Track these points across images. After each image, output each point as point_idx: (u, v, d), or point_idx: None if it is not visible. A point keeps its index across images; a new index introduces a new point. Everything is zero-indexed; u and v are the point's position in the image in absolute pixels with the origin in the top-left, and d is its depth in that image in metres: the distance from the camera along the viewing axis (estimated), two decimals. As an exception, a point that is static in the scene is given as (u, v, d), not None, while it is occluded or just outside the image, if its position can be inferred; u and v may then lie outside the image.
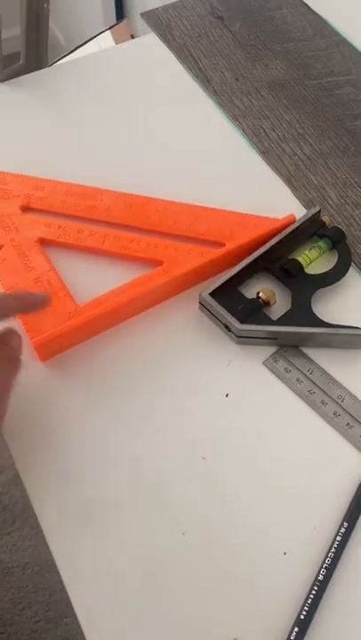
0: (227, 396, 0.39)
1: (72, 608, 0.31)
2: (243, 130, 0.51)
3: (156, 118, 0.52)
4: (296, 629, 0.31)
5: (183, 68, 0.56)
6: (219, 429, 0.37)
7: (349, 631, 0.31)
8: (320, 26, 0.59)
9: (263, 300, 0.41)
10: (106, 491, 0.35)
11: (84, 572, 0.33)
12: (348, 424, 0.37)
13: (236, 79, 0.54)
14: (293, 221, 0.44)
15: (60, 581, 0.32)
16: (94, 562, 0.33)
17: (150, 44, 0.58)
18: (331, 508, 0.34)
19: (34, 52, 0.55)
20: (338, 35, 0.58)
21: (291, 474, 0.36)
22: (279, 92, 0.54)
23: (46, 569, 1.12)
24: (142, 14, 0.61)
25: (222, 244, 0.43)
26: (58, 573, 0.32)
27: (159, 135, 0.51)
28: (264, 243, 0.42)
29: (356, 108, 0.52)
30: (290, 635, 0.31)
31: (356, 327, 0.39)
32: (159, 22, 0.59)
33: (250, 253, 0.42)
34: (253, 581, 0.33)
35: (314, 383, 0.39)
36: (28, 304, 0.37)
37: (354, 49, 0.57)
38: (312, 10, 0.60)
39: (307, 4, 0.60)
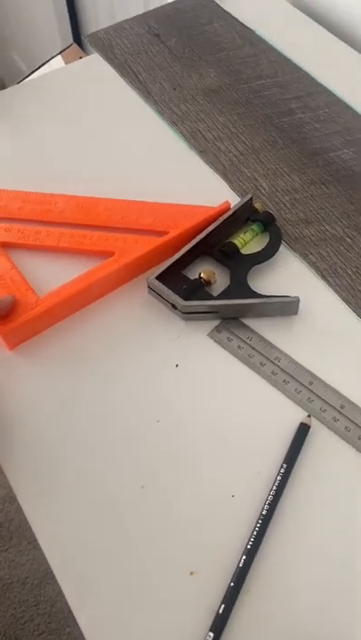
0: (177, 366, 0.43)
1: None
2: (181, 133, 0.56)
3: (102, 129, 0.57)
4: (244, 557, 0.35)
5: (125, 83, 0.61)
6: (171, 395, 0.42)
7: (291, 556, 0.36)
8: (248, 36, 0.64)
9: (204, 280, 0.45)
10: (75, 461, 0.39)
11: (59, 530, 0.37)
12: (284, 380, 0.42)
13: (174, 89, 0.60)
14: (228, 208, 0.49)
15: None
16: (67, 522, 0.37)
17: (95, 64, 0.63)
18: (273, 454, 0.39)
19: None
20: (265, 42, 0.64)
21: (236, 428, 0.40)
22: (213, 97, 0.59)
23: (46, 581, 1.14)
24: (86, 37, 0.66)
25: (166, 233, 0.47)
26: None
27: (106, 143, 0.56)
28: (203, 229, 0.47)
29: (283, 106, 0.58)
30: (239, 563, 0.35)
31: (287, 296, 0.44)
32: (101, 43, 0.64)
33: (191, 239, 0.47)
34: (207, 522, 0.37)
35: (253, 348, 0.43)
36: None
37: (279, 54, 0.62)
38: (240, 22, 0.66)
39: (235, 18, 0.66)
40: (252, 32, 0.65)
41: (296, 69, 0.61)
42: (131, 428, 0.40)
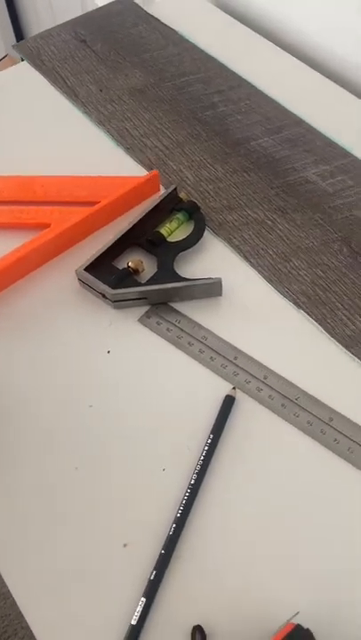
0: (108, 352, 0.45)
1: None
2: (109, 132, 0.58)
3: (33, 133, 0.59)
4: (174, 526, 0.36)
5: (54, 88, 0.63)
6: (103, 380, 0.43)
7: (220, 522, 0.37)
8: (171, 36, 0.67)
9: (132, 269, 0.47)
10: (5, 444, 0.40)
11: (-7, 513, 0.38)
12: (211, 357, 0.44)
13: (101, 90, 0.62)
14: (156, 176, 0.51)
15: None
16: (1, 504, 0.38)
17: (25, 71, 0.65)
18: (202, 428, 0.41)
19: None
20: (187, 42, 0.66)
21: (167, 405, 0.42)
22: (139, 96, 0.61)
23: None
24: (14, 46, 0.68)
25: (98, 202, 0.50)
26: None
27: (38, 146, 0.57)
28: (132, 198, 0.50)
29: (206, 100, 0.60)
30: (169, 531, 0.36)
31: (210, 278, 0.46)
32: (29, 51, 0.66)
33: (122, 207, 0.50)
34: (139, 495, 0.38)
35: (181, 330, 0.45)
36: None
37: (201, 51, 0.65)
38: (163, 23, 0.68)
39: (159, 19, 0.68)
40: (175, 32, 0.67)
41: (218, 65, 0.63)
42: (63, 413, 0.42)
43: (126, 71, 0.63)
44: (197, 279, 0.46)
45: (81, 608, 0.35)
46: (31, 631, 0.34)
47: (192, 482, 0.38)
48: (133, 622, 0.34)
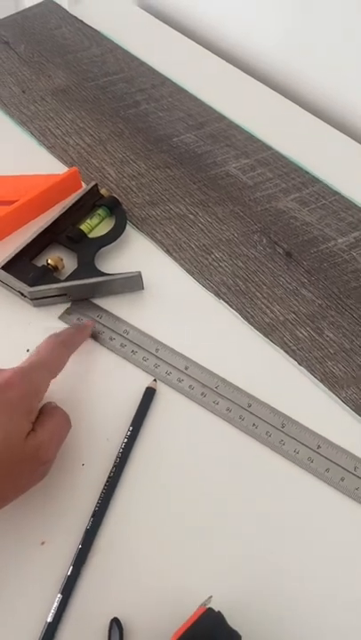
0: (27, 350, 0.44)
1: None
2: (31, 132, 0.57)
3: None
4: (92, 519, 0.36)
5: (-25, 89, 0.62)
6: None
7: (139, 514, 0.37)
8: (95, 37, 0.67)
9: (52, 266, 0.47)
10: None
11: None
12: (132, 351, 0.44)
13: (23, 91, 0.61)
14: (76, 174, 0.51)
15: None
16: None
17: None
18: (122, 421, 0.40)
19: None
20: (111, 42, 0.66)
21: (87, 400, 0.41)
22: (62, 96, 0.61)
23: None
24: None
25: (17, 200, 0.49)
26: None
27: None
28: (53, 196, 0.50)
29: (129, 99, 0.60)
30: (87, 525, 0.36)
31: (130, 272, 0.46)
32: None
33: (43, 205, 0.49)
34: (57, 492, 0.38)
35: (103, 325, 0.45)
36: (84, 334, 0.43)
37: (125, 51, 0.65)
38: (87, 25, 0.68)
39: (82, 21, 0.69)
40: (98, 33, 0.67)
41: (141, 64, 0.64)
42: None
43: (49, 72, 0.63)
44: (117, 274, 0.46)
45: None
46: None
47: (110, 474, 0.38)
48: (49, 620, 0.33)
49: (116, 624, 0.33)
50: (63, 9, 0.70)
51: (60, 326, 0.45)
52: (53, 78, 0.63)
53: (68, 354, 0.40)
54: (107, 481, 0.37)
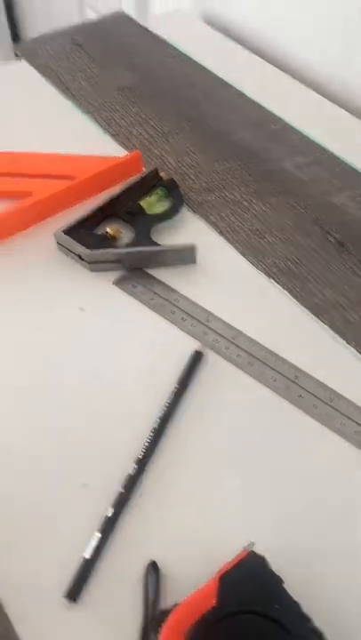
0: (82, 309, 0.45)
1: None
2: (97, 121, 0.60)
3: (27, 118, 0.61)
4: (135, 466, 0.36)
5: (47, 82, 0.65)
6: (75, 334, 0.43)
7: (177, 465, 0.37)
8: (161, 44, 0.71)
9: (110, 235, 0.48)
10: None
11: None
12: (182, 318, 0.44)
13: (92, 86, 0.65)
14: (138, 157, 0.53)
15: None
16: None
17: (21, 68, 0.68)
18: (169, 381, 0.41)
19: None
20: (176, 50, 0.70)
21: (136, 358, 0.42)
22: (127, 93, 0.64)
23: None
24: (15, 45, 0.71)
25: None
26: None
27: (29, 130, 0.59)
28: (111, 176, 0.52)
29: (191, 99, 0.63)
30: (130, 471, 0.36)
31: (184, 244, 0.47)
32: (27, 51, 0.69)
33: (103, 182, 0.52)
34: (100, 438, 0.38)
35: (155, 292, 0.46)
36: None
37: (188, 58, 0.69)
38: (154, 33, 0.72)
39: (150, 31, 0.73)
40: (164, 41, 0.71)
41: (202, 69, 0.67)
42: (32, 362, 0.42)
43: (117, 72, 0.67)
44: (172, 245, 0.47)
45: (34, 546, 0.34)
46: None
47: (155, 426, 0.38)
48: (86, 556, 0.33)
49: (152, 567, 0.32)
50: (133, 20, 0.75)
51: (114, 291, 0.46)
52: (120, 77, 0.66)
53: None
54: (151, 431, 0.37)
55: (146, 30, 0.73)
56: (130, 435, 0.38)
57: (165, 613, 0.28)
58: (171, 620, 0.28)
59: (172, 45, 0.71)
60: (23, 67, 0.68)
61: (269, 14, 0.71)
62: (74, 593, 0.32)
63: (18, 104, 0.63)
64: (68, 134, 0.59)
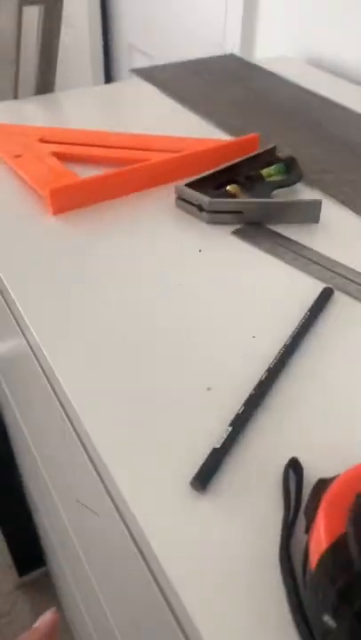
0: (200, 250, 0.44)
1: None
2: (212, 121, 0.63)
3: (147, 121, 0.65)
4: (265, 374, 0.32)
5: (164, 95, 0.70)
6: (198, 274, 0.42)
7: (310, 377, 0.33)
8: (267, 74, 0.75)
9: (231, 193, 0.48)
10: (102, 321, 0.38)
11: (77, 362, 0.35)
12: (307, 263, 0.42)
13: (206, 99, 0.69)
14: (255, 138, 0.55)
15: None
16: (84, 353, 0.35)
17: (138, 85, 0.73)
18: (296, 318, 0.38)
19: (45, 78, 0.70)
20: (279, 77, 0.74)
21: (264, 294, 0.40)
22: (239, 105, 0.67)
23: None
24: (131, 70, 0.77)
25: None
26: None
27: (152, 127, 0.63)
28: (230, 151, 0.53)
29: (301, 111, 0.66)
30: (261, 377, 0.32)
31: (310, 199, 0.46)
32: (144, 72, 0.75)
33: (218, 158, 0.52)
34: (221, 353, 0.35)
35: (276, 242, 0.44)
36: None
37: (292, 83, 0.72)
38: (260, 66, 0.77)
39: (257, 65, 0.78)
40: (276, 74, 0.76)
41: (313, 94, 0.70)
42: (155, 290, 0.40)
43: (231, 91, 0.71)
44: (298, 199, 0.46)
45: (163, 436, 0.30)
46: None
47: (288, 342, 0.34)
48: (216, 446, 0.28)
49: (294, 465, 0.28)
50: (243, 59, 0.81)
51: (233, 239, 0.45)
52: (234, 94, 0.70)
53: None
54: (282, 347, 0.34)
55: (257, 66, 0.78)
56: (255, 350, 0.35)
57: (324, 483, 0.24)
58: (331, 493, 0.23)
59: (283, 77, 0.75)
60: (139, 83, 0.73)
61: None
62: (202, 481, 0.27)
63: (138, 111, 0.67)
64: (186, 131, 0.62)
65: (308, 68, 0.80)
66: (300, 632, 0.22)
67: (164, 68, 0.78)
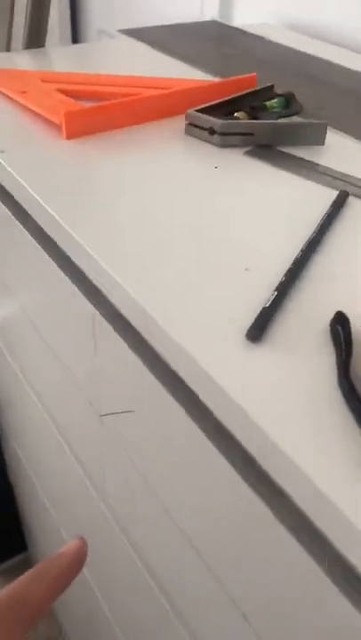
0: (216, 167, 0.45)
1: None
2: (208, 72, 0.65)
3: (140, 68, 0.66)
4: (300, 253, 0.34)
5: (155, 50, 0.72)
6: (217, 187, 0.43)
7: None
8: (260, 40, 0.78)
9: (239, 118, 0.50)
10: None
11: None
12: (319, 175, 0.44)
13: (197, 54, 0.71)
14: (253, 77, 0.57)
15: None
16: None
17: (127, 42, 0.75)
18: (319, 215, 0.40)
19: (35, 34, 0.70)
20: (269, 40, 0.77)
21: (283, 203, 0.41)
22: (234, 60, 0.70)
23: None
24: (120, 30, 0.79)
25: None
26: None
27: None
28: (230, 87, 0.55)
29: (295, 65, 0.69)
30: (296, 256, 0.34)
31: (317, 121, 0.48)
32: (130, 32, 0.77)
33: (219, 92, 0.54)
34: (254, 242, 0.36)
35: (287, 160, 0.46)
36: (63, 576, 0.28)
37: (292, 48, 0.75)
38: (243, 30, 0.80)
39: (240, 29, 0.81)
40: (261, 37, 0.79)
41: (298, 52, 0.73)
42: (182, 196, 0.41)
43: (216, 47, 0.73)
44: (306, 120, 0.49)
45: (212, 301, 0.31)
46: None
47: (314, 234, 0.36)
48: (266, 305, 0.30)
49: (340, 319, 0.29)
50: (226, 25, 0.83)
51: (245, 159, 0.47)
52: (220, 51, 0.72)
53: (56, 592, 0.27)
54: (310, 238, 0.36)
55: (240, 29, 0.81)
56: (287, 236, 0.36)
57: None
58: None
59: (267, 38, 0.78)
60: (131, 42, 0.75)
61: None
62: (257, 331, 0.28)
63: (132, 64, 0.69)
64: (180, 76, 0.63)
65: (291, 32, 0.83)
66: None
67: (152, 29, 0.79)
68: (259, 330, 0.29)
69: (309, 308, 0.31)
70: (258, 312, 0.30)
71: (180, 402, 0.31)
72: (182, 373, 0.29)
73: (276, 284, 0.32)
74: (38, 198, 0.40)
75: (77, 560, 0.29)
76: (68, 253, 0.38)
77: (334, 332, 0.29)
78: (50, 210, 0.39)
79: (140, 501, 0.43)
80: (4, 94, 0.55)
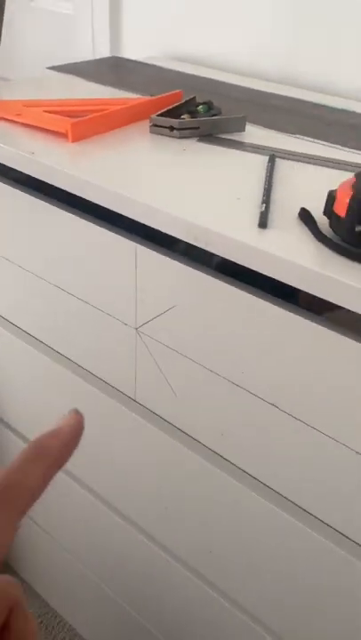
0: (184, 149, 0.67)
1: None
2: (128, 90, 0.86)
3: (81, 94, 0.85)
4: (266, 182, 0.57)
5: (80, 79, 0.91)
6: (191, 161, 0.64)
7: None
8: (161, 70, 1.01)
9: (185, 119, 0.72)
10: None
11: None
12: (252, 149, 0.68)
13: (120, 81, 0.92)
14: (180, 94, 0.79)
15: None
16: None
17: (59, 77, 0.93)
18: (262, 171, 0.63)
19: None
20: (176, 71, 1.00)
21: (237, 166, 0.64)
22: (147, 81, 0.92)
23: None
24: (49, 68, 0.97)
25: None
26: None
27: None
28: (163, 102, 0.76)
29: (198, 87, 0.92)
30: (265, 184, 0.56)
31: (239, 115, 0.72)
32: (63, 69, 0.96)
33: (156, 106, 0.75)
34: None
35: (226, 142, 0.69)
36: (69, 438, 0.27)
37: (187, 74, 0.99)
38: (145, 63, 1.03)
39: (139, 61, 1.03)
40: (161, 67, 1.02)
41: (193, 76, 0.97)
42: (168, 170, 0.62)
43: (130, 76, 0.95)
44: (233, 115, 0.72)
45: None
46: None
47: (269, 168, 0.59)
48: (262, 210, 0.52)
49: (303, 212, 0.52)
50: (127, 59, 1.05)
51: (198, 144, 0.69)
52: (135, 78, 0.94)
53: (51, 474, 0.26)
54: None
55: (138, 61, 1.04)
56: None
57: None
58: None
59: (164, 67, 1.01)
60: (59, 75, 0.94)
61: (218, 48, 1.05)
62: (263, 222, 0.50)
63: (72, 91, 0.88)
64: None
65: (179, 63, 1.07)
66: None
67: (73, 65, 0.99)
68: (264, 222, 0.50)
69: (283, 207, 0.53)
70: (259, 214, 0.51)
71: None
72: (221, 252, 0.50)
73: (261, 200, 0.54)
74: (83, 176, 0.58)
75: (75, 436, 0.27)
76: (105, 205, 0.57)
77: (302, 216, 0.51)
78: (94, 181, 0.57)
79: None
80: (1, 118, 0.71)
